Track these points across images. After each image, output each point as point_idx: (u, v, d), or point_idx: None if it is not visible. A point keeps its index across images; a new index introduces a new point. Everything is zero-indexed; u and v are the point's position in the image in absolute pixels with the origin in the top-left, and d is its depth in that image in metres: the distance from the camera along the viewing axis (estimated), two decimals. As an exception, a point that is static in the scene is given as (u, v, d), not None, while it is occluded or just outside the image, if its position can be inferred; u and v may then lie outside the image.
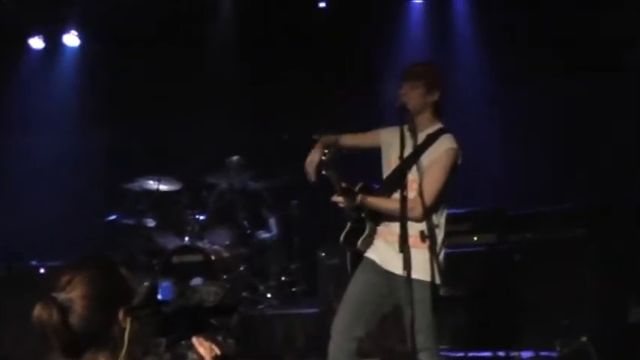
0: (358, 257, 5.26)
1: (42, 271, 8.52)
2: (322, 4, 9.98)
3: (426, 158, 5.01)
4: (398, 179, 4.86)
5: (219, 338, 2.73)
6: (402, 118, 4.92)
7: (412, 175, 4.93)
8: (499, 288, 7.45)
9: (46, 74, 10.72)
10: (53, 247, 9.19)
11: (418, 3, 9.69)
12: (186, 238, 8.97)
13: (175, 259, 8.63)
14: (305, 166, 5.33)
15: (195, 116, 10.22)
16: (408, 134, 4.91)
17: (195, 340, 2.69)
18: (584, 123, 8.92)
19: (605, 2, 8.75)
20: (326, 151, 4.89)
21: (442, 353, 5.54)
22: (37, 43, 10.43)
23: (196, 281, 7.65)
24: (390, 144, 5.20)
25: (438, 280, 4.93)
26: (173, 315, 2.66)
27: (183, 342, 2.67)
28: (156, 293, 2.63)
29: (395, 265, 4.88)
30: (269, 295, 9.02)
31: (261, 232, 9.34)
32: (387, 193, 5.13)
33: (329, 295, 8.01)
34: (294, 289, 9.33)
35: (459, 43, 9.83)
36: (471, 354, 7.29)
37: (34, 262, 8.86)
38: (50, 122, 10.54)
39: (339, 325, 5.15)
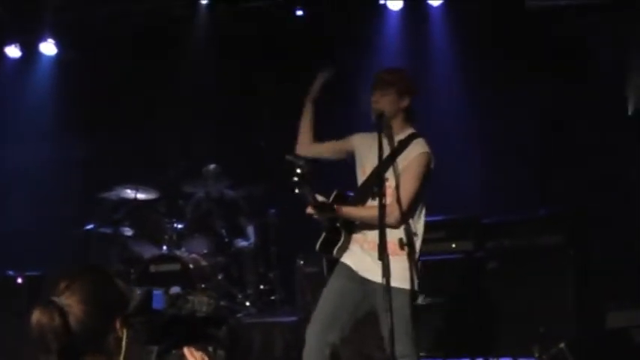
0: (335, 262, 5.26)
1: (19, 281, 8.48)
2: (299, 12, 9.98)
3: (398, 164, 5.03)
4: (374, 186, 4.86)
5: (210, 349, 2.74)
6: (380, 125, 4.94)
7: (389, 181, 4.95)
8: (476, 295, 7.48)
9: (22, 83, 10.67)
10: (30, 257, 9.16)
11: (394, 11, 9.72)
12: (164, 247, 8.96)
13: (153, 268, 8.61)
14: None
15: (172, 125, 10.21)
16: (385, 141, 4.93)
17: (186, 350, 2.71)
18: (559, 129, 9.00)
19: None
20: (298, 170, 4.83)
21: (421, 360, 5.56)
22: (13, 51, 10.38)
23: (175, 290, 7.65)
24: (363, 151, 5.23)
25: (416, 287, 4.96)
26: (166, 324, 2.69)
27: (174, 351, 2.70)
28: (150, 301, 2.66)
29: (372, 272, 4.90)
30: (247, 304, 9.01)
31: (238, 240, 9.34)
32: (362, 200, 5.14)
33: (307, 303, 8.01)
34: (272, 298, 9.32)
35: (434, 52, 9.87)
36: (449, 361, 7.32)
37: (10, 272, 8.81)
38: (27, 131, 10.49)
39: (313, 330, 5.16)
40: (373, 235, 4.74)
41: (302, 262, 8.42)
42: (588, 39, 8.85)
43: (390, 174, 5.00)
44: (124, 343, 2.60)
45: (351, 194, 5.31)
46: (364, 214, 5.02)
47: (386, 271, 4.52)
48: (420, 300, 5.01)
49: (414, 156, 5.02)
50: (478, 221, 7.78)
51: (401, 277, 4.86)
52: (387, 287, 4.53)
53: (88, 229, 9.22)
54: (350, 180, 5.35)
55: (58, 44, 10.32)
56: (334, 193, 5.28)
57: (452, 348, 7.30)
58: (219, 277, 8.91)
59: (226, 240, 9.17)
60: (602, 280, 7.47)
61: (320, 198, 5.06)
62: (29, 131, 10.51)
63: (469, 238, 7.67)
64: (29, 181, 10.41)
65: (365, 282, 5.05)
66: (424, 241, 5.12)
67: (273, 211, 9.45)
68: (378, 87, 5.14)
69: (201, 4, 10.07)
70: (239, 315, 8.71)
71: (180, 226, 9.14)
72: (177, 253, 8.78)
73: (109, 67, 10.13)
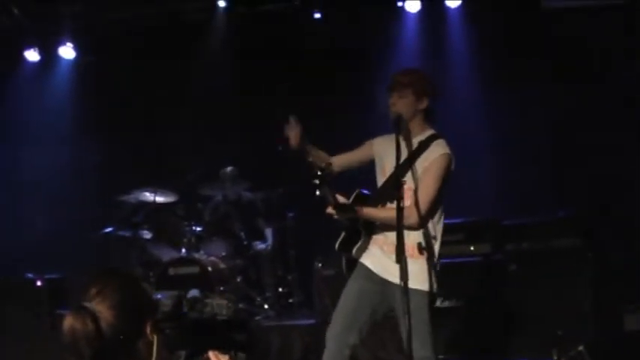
0: (354, 262, 5.26)
1: (39, 284, 8.51)
2: (317, 15, 9.98)
3: (419, 165, 5.02)
4: (393, 188, 4.85)
5: (232, 352, 2.76)
6: (398, 128, 4.91)
7: (407, 184, 4.93)
8: (495, 297, 7.45)
9: (41, 86, 10.72)
10: (49, 260, 9.19)
11: (412, 12, 9.71)
12: (183, 250, 8.98)
13: (171, 271, 8.63)
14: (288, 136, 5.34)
15: (190, 128, 10.23)
16: (403, 143, 4.92)
17: (211, 354, 2.73)
18: (577, 130, 8.97)
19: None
20: (319, 172, 4.83)
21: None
22: (32, 55, 10.44)
23: (192, 293, 7.64)
24: (383, 153, 5.22)
25: (435, 289, 4.95)
26: (192, 328, 2.72)
27: (199, 356, 2.71)
28: (182, 306, 2.68)
29: (391, 274, 4.89)
30: (266, 306, 9.02)
31: (257, 243, 9.36)
32: (382, 201, 5.13)
33: (325, 306, 8.00)
34: (290, 300, 9.33)
35: (452, 53, 9.86)
36: (467, 364, 7.31)
37: (30, 275, 8.84)
38: (46, 134, 10.54)
39: (332, 332, 5.17)
40: (394, 237, 4.71)
41: (320, 265, 8.41)
42: (603, 39, 8.82)
43: (408, 176, 4.99)
44: (154, 348, 2.62)
45: (369, 194, 5.29)
46: (384, 216, 5.00)
47: (404, 274, 4.50)
48: (438, 303, 4.99)
49: (434, 157, 5.01)
50: (497, 224, 7.76)
51: (419, 278, 4.86)
52: (404, 289, 4.52)
53: (106, 232, 9.23)
54: (369, 179, 5.35)
55: (76, 48, 10.38)
56: (354, 193, 5.27)
57: (470, 350, 7.28)
58: (238, 280, 8.93)
59: (245, 243, 9.19)
60: (620, 281, 7.43)
61: (341, 199, 5.06)
62: (48, 135, 10.57)
63: (487, 240, 7.64)
64: (48, 184, 10.45)
65: (384, 283, 5.04)
66: (442, 244, 5.11)
67: (291, 214, 9.45)
68: (395, 89, 5.12)
69: (218, 6, 10.10)
70: (257, 318, 8.72)
71: (198, 228, 9.16)
72: (196, 255, 8.81)
73: (126, 71, 10.16)
